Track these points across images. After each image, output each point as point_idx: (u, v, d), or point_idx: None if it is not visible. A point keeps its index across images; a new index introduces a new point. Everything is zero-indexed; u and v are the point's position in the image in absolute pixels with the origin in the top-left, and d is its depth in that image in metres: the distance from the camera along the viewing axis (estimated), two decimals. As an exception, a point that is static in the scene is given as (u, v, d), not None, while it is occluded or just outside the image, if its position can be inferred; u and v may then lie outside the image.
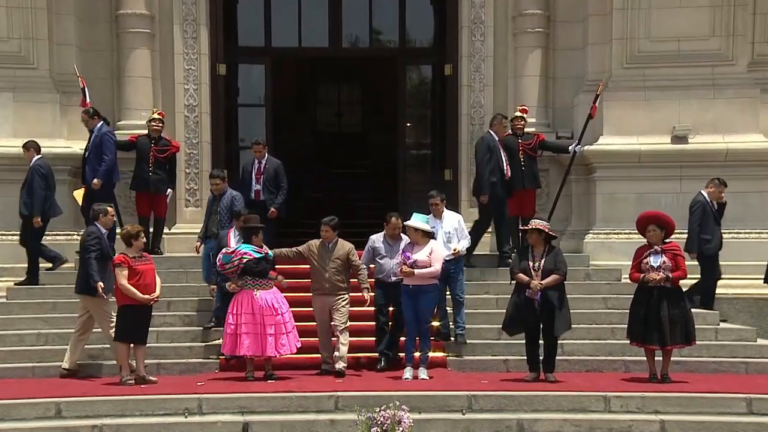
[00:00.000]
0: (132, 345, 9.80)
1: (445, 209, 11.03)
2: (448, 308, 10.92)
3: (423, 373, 9.99)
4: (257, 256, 9.99)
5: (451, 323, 10.89)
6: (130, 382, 9.63)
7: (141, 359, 9.85)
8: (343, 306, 10.18)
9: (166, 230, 13.22)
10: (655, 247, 9.83)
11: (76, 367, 10.10)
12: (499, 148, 12.32)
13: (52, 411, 8.80)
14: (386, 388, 9.28)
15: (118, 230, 11.25)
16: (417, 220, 10.13)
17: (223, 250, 10.20)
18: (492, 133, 12.41)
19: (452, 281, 10.79)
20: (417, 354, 10.16)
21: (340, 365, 10.04)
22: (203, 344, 10.79)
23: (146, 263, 9.90)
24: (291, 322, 10.09)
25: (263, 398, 9.11)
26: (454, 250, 10.73)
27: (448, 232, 10.83)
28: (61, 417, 8.79)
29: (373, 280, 10.57)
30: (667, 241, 9.96)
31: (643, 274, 9.79)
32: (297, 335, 10.11)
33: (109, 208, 10.47)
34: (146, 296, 9.70)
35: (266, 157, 12.51)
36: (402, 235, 10.47)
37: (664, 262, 9.74)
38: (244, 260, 9.92)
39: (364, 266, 10.37)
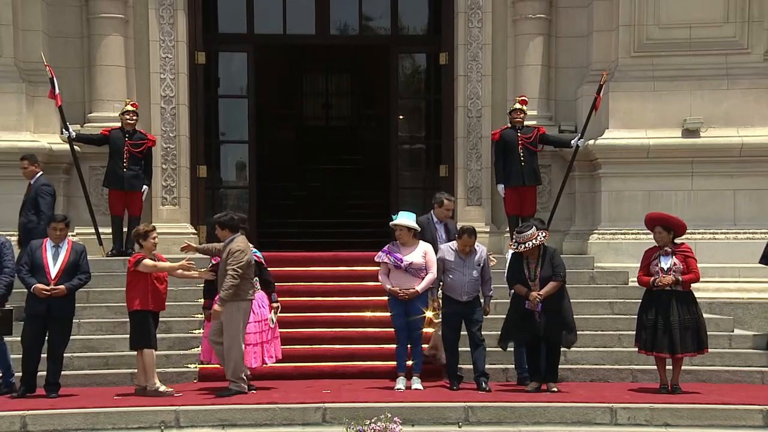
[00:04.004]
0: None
1: None
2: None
3: (416, 383, 9.97)
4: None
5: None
6: (170, 392, 9.58)
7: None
8: (227, 318, 9.51)
9: (141, 230, 13.16)
10: (665, 248, 9.84)
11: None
12: None
13: (17, 425, 8.75)
14: (377, 399, 9.25)
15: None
16: (405, 218, 10.10)
17: None
18: None
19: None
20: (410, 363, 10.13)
21: (231, 389, 9.55)
22: (181, 352, 10.76)
23: None
24: (259, 334, 9.95)
25: (245, 410, 9.08)
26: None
27: None
28: (27, 431, 8.75)
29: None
30: (678, 241, 9.97)
31: (652, 277, 9.80)
32: (263, 350, 9.95)
33: None
34: (180, 263, 9.71)
35: (36, 176, 11.42)
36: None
37: (675, 264, 9.75)
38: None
39: (232, 272, 9.36)
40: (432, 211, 10.78)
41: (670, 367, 9.88)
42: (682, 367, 9.95)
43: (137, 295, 9.63)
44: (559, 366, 10.02)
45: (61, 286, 9.64)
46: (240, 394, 9.55)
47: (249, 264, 9.63)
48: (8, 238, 10.31)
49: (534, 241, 9.72)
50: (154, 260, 9.71)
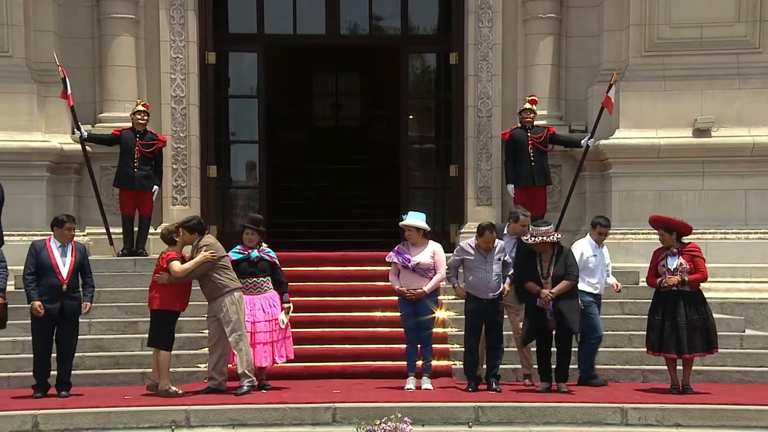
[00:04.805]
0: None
1: None
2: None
3: (426, 383, 9.97)
4: (234, 257, 9.99)
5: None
6: (180, 392, 9.58)
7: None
8: (224, 314, 9.68)
9: (151, 230, 13.20)
10: (672, 248, 9.82)
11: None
12: None
13: (28, 424, 8.78)
14: (387, 399, 9.26)
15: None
16: (415, 219, 10.09)
17: None
18: None
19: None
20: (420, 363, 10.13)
21: (244, 386, 9.65)
22: (191, 352, 10.78)
23: None
24: (269, 333, 9.96)
25: (255, 410, 9.09)
26: (617, 286, 10.57)
27: (607, 265, 10.52)
28: (39, 430, 8.78)
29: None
30: (686, 241, 9.94)
31: (659, 278, 9.77)
32: (273, 350, 9.97)
33: None
34: (203, 256, 9.57)
35: None
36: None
37: (681, 264, 9.73)
38: None
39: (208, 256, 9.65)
40: (507, 225, 10.55)
41: (681, 368, 9.86)
42: (693, 368, 9.93)
43: (166, 294, 9.61)
44: (570, 366, 9.99)
45: (88, 306, 9.80)
46: (251, 393, 9.57)
47: (223, 256, 9.78)
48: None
49: (545, 238, 9.70)
50: (182, 261, 9.68)
